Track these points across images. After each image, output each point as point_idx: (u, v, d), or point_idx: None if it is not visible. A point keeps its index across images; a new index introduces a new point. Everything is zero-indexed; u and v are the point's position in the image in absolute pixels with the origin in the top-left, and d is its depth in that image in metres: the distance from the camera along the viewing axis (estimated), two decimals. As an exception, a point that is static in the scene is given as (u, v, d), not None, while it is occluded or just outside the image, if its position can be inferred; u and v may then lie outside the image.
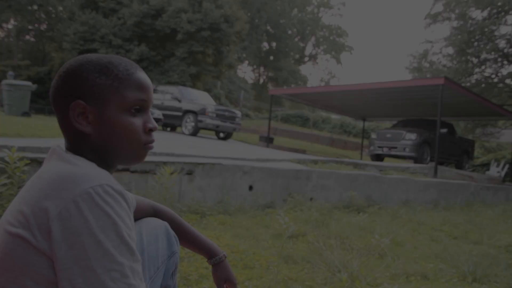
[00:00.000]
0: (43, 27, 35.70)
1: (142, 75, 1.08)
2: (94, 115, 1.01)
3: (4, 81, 12.80)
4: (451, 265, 4.05)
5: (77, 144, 1.03)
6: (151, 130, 1.12)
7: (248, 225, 4.97)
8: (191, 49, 23.57)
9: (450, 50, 20.25)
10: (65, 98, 1.00)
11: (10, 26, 34.63)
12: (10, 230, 0.89)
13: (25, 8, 27.66)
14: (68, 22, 24.99)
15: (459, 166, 15.98)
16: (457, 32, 19.10)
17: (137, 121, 1.07)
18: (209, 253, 1.50)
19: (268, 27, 52.51)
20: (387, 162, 13.61)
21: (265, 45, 55.03)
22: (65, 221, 0.84)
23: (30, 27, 35.55)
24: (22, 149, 4.29)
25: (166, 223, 1.42)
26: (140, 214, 1.39)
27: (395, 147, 13.55)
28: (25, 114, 12.56)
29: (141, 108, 1.08)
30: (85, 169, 0.93)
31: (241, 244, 4.05)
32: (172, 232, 1.41)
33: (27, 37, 38.18)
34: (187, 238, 1.49)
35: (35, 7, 29.52)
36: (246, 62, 52.82)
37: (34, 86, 13.23)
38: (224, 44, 24.93)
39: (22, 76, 30.16)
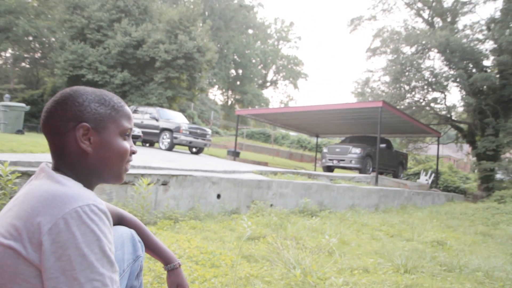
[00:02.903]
0: (38, 55, 34.71)
1: (128, 108, 1.15)
2: (95, 137, 1.04)
3: (1, 103, 12.41)
4: (388, 259, 4.11)
5: (74, 160, 1.03)
6: (133, 153, 1.16)
7: (216, 229, 4.91)
8: (167, 75, 23.37)
9: (387, 78, 20.85)
10: (67, 122, 1.01)
11: (8, 54, 33.60)
12: (1, 242, 0.87)
13: (22, 39, 26.89)
14: (60, 51, 24.39)
15: (395, 175, 16.34)
16: (392, 63, 19.72)
17: (127, 145, 1.11)
18: (165, 260, 1.47)
19: (235, 57, 52.74)
20: (336, 173, 13.79)
21: (233, 71, 55.19)
22: (55, 236, 0.84)
23: (25, 55, 34.49)
24: (14, 163, 4.13)
25: (132, 231, 1.38)
26: None
27: (343, 160, 13.75)
28: (19, 132, 12.18)
29: (128, 134, 1.13)
30: (74, 189, 0.92)
31: (209, 245, 3.99)
32: (137, 238, 1.38)
33: (23, 64, 37.00)
34: (147, 245, 1.45)
35: (31, 38, 28.74)
36: (216, 86, 52.73)
37: (27, 107, 12.90)
38: (196, 70, 24.83)
39: (17, 98, 29.11)
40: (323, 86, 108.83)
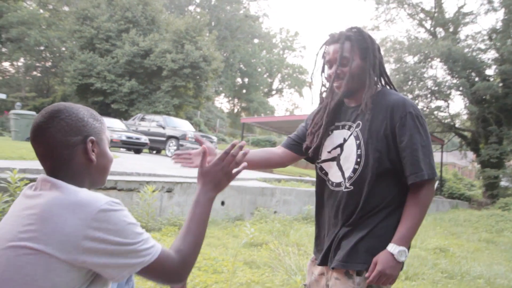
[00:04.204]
0: (48, 64, 35.09)
1: None
2: (97, 149, 1.13)
3: (12, 111, 12.60)
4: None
5: (78, 170, 1.10)
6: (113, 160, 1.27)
7: (220, 235, 4.91)
8: (174, 84, 23.49)
9: (391, 87, 20.86)
10: (75, 136, 1.08)
11: (20, 64, 33.98)
12: (31, 246, 0.93)
13: (33, 48, 27.20)
14: (69, 60, 24.63)
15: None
16: (395, 72, 19.71)
17: (110, 152, 1.23)
18: None
19: (241, 65, 52.90)
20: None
21: (239, 80, 55.33)
22: (93, 236, 0.94)
23: (37, 64, 34.93)
24: (23, 170, 4.18)
25: None
26: None
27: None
28: (29, 139, 12.31)
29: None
30: (88, 193, 1.02)
31: (212, 252, 3.99)
32: None
33: (34, 72, 37.42)
34: None
35: (42, 47, 29.08)
36: (223, 94, 52.88)
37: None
38: (203, 79, 24.95)
39: (28, 106, 29.41)
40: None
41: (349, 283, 1.42)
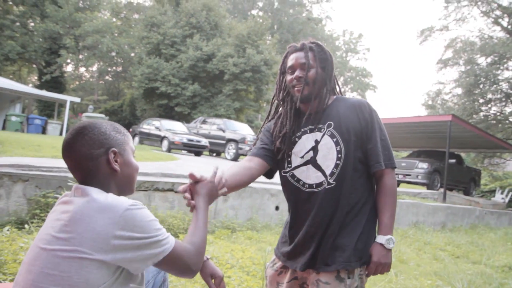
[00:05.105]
0: (119, 69, 37.29)
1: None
2: (120, 159, 1.24)
3: (84, 114, 13.55)
4: (447, 282, 3.89)
5: (104, 179, 1.21)
6: (138, 169, 1.37)
7: (272, 241, 4.93)
8: (235, 87, 23.94)
9: (459, 91, 19.72)
10: (98, 148, 1.20)
11: (94, 69, 36.39)
12: (65, 249, 1.05)
13: (106, 55, 29.02)
14: (137, 65, 25.94)
15: (466, 192, 15.32)
16: (465, 75, 18.61)
17: (136, 162, 1.33)
18: None
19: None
20: (400, 188, 13.24)
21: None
22: (120, 232, 1.06)
23: (109, 69, 37.24)
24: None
25: None
26: None
27: (409, 175, 13.15)
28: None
29: (134, 154, 1.34)
30: (114, 197, 1.14)
31: (263, 257, 4.02)
32: None
33: (106, 77, 39.97)
34: None
35: (113, 53, 30.96)
36: (283, 98, 53.11)
37: (106, 118, 13.90)
38: (263, 83, 25.19)
39: (100, 108, 31.48)
40: (392, 98, 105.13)
41: (341, 287, 1.48)
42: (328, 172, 1.56)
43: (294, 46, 1.71)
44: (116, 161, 1.22)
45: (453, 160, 14.03)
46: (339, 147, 1.56)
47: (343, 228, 1.54)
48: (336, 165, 1.55)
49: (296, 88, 1.62)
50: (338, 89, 1.77)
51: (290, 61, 1.67)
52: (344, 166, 1.55)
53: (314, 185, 1.58)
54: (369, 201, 1.60)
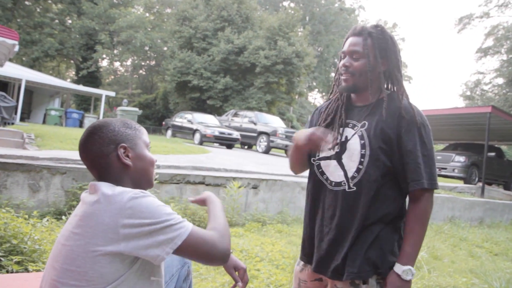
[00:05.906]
0: (152, 63, 38.03)
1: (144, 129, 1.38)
2: (132, 153, 1.26)
3: (119, 108, 13.94)
4: (484, 281, 3.76)
5: (118, 175, 1.24)
6: (154, 162, 1.37)
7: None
8: (267, 80, 23.91)
9: (500, 81, 18.87)
10: (108, 146, 1.23)
11: (128, 63, 37.27)
12: (80, 244, 1.09)
13: (139, 49, 29.68)
14: (170, 59, 26.35)
15: (507, 187, 14.72)
16: (507, 64, 17.80)
17: (152, 155, 1.34)
18: None
19: (336, 60, 52.02)
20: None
21: (333, 75, 54.62)
22: (128, 220, 1.07)
23: (142, 63, 38.04)
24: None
25: None
26: None
27: (445, 168, 12.75)
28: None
29: (149, 147, 1.35)
30: (120, 188, 1.16)
31: (293, 251, 4.03)
32: None
33: (140, 71, 40.85)
34: None
35: (147, 48, 31.60)
36: (316, 89, 52.52)
37: (139, 111, 14.33)
38: (295, 75, 25.05)
39: (134, 102, 32.23)
40: (428, 89, 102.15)
41: None
42: (349, 175, 1.45)
43: (354, 29, 1.55)
44: (128, 156, 1.24)
45: (493, 153, 13.50)
46: (364, 150, 1.44)
47: (358, 236, 1.42)
48: (358, 170, 1.44)
49: (342, 77, 1.53)
50: (397, 85, 1.55)
51: (346, 46, 1.54)
52: (366, 173, 1.42)
53: (334, 183, 1.49)
54: (391, 212, 1.43)
